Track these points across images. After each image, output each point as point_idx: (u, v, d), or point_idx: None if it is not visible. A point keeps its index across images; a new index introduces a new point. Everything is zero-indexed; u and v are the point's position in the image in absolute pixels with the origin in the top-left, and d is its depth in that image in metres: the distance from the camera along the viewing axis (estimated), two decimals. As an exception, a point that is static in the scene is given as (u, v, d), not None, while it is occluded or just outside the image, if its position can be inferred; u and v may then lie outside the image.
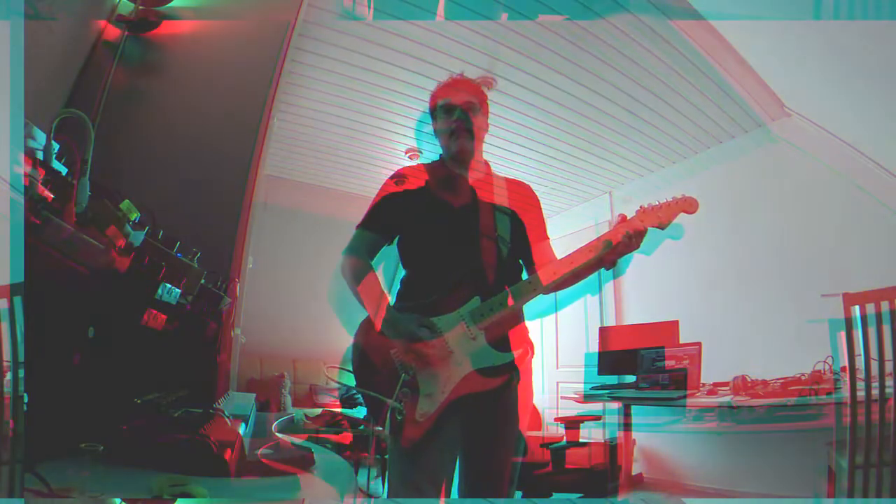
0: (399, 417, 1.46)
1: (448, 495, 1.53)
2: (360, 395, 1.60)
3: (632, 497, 3.53)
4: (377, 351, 1.52)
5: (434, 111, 1.70)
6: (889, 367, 1.92)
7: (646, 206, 1.49)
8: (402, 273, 1.64)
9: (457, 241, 1.60)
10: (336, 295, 1.59)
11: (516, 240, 1.64)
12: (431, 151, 1.75)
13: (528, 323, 1.65)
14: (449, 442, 1.51)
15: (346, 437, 3.03)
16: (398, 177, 1.66)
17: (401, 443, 1.46)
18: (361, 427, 2.83)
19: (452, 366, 1.48)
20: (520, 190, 1.71)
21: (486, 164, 1.72)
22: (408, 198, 1.67)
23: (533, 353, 1.61)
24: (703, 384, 3.34)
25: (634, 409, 3.55)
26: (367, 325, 1.55)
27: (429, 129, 1.73)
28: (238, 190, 3.51)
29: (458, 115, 1.63)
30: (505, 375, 1.53)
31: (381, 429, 1.50)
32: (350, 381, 1.57)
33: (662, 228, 1.46)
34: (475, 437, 1.53)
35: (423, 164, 1.71)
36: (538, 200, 1.73)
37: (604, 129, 4.06)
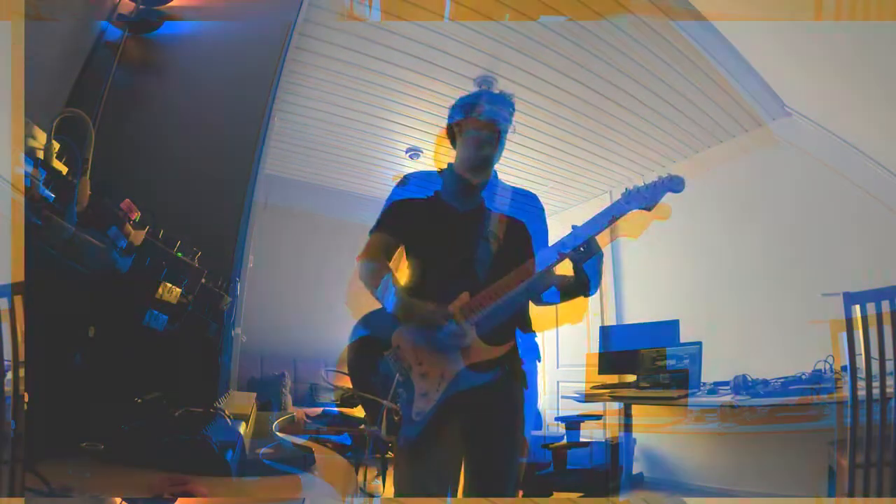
0: (396, 418, 1.46)
1: (456, 495, 1.53)
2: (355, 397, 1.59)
3: (632, 497, 3.53)
4: (372, 353, 1.52)
5: (468, 113, 1.67)
6: (889, 366, 1.92)
7: (631, 187, 1.50)
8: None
9: (458, 246, 1.60)
10: (355, 299, 1.59)
11: (514, 242, 1.62)
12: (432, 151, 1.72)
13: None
14: (450, 440, 1.50)
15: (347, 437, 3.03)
16: (404, 180, 1.66)
17: (399, 443, 1.46)
18: (361, 427, 2.83)
19: (444, 362, 1.49)
20: (526, 199, 1.71)
21: (495, 170, 1.72)
22: (416, 204, 1.68)
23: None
24: (704, 384, 3.34)
25: (635, 408, 3.55)
26: (362, 326, 1.55)
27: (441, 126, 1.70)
28: (238, 190, 3.50)
29: (493, 127, 1.64)
30: (496, 369, 1.52)
31: (376, 429, 1.49)
32: (347, 383, 1.57)
33: (649, 210, 1.46)
34: (474, 433, 1.53)
35: (436, 171, 1.71)
36: (543, 211, 1.74)
37: (604, 128, 4.06)
